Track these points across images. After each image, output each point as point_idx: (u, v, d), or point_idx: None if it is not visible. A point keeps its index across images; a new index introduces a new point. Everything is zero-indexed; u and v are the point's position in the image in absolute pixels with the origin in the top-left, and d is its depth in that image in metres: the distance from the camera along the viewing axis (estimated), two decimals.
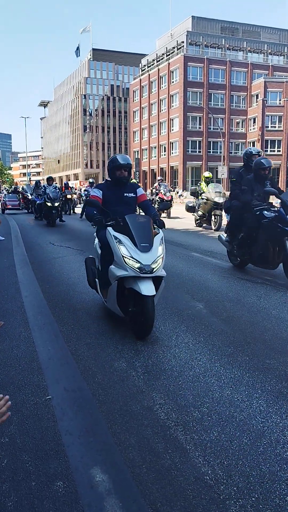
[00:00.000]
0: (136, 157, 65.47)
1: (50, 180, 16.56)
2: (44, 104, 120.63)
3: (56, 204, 15.35)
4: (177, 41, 58.12)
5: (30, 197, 23.06)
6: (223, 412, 2.71)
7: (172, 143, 57.49)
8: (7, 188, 59.26)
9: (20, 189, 30.83)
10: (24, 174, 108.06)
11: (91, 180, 22.62)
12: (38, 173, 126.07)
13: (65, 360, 3.52)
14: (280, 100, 53.05)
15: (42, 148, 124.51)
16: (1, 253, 9.36)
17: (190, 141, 55.24)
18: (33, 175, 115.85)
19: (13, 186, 39.78)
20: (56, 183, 19.13)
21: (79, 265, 7.93)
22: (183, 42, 56.60)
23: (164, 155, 59.65)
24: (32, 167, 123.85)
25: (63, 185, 23.87)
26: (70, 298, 5.54)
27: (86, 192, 19.59)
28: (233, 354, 3.65)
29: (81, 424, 2.57)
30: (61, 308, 5.07)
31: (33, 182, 28.23)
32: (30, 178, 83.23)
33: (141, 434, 2.48)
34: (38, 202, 18.40)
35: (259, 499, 1.96)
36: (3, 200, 26.70)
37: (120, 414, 2.70)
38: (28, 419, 2.64)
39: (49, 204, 15.27)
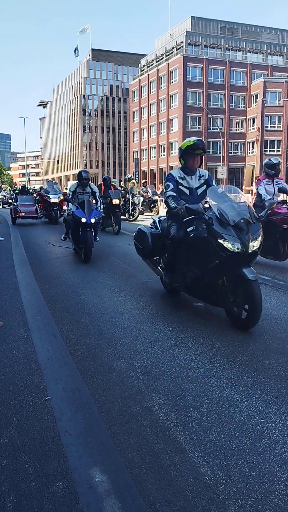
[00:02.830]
0: (136, 157, 65.49)
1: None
2: (43, 104, 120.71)
3: None
4: (176, 41, 58.14)
5: (52, 200, 17.16)
6: (223, 412, 2.71)
7: (172, 143, 57.47)
8: (8, 188, 56.72)
9: (28, 188, 23.23)
10: (23, 175, 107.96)
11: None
12: (37, 173, 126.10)
13: (64, 361, 3.52)
14: (279, 100, 53.06)
15: (41, 148, 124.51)
16: (0, 253, 9.36)
17: None
18: (32, 175, 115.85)
19: (19, 186, 30.21)
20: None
21: (78, 266, 7.93)
22: (182, 42, 56.61)
23: (164, 155, 59.63)
24: (31, 167, 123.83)
25: (102, 181, 14.95)
26: (69, 298, 5.54)
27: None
28: (233, 354, 3.65)
29: (80, 425, 2.57)
30: (60, 308, 5.07)
31: (65, 180, 20.82)
32: (29, 179, 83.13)
33: (141, 435, 2.48)
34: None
35: (258, 500, 1.96)
36: (14, 204, 18.49)
37: (120, 415, 2.70)
38: (27, 419, 2.64)
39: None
